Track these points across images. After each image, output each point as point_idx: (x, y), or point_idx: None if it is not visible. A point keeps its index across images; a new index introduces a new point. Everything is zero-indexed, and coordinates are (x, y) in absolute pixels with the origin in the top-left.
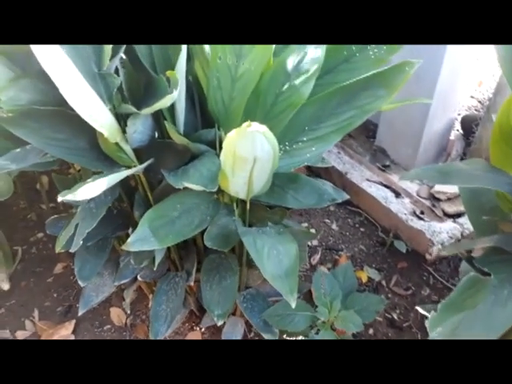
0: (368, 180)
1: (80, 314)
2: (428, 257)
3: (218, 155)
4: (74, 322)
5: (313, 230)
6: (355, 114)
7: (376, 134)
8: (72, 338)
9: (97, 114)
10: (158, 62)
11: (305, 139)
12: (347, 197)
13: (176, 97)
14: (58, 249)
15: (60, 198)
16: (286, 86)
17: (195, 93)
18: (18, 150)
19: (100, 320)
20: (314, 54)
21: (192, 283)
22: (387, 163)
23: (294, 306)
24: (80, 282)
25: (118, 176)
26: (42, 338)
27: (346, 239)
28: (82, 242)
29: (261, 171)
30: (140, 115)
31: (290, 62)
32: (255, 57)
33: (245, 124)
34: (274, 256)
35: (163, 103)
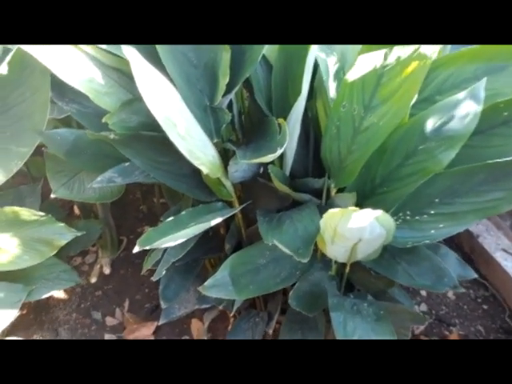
0: (504, 251)
1: (160, 323)
2: None
3: (321, 208)
4: (156, 323)
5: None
6: (504, 196)
7: None
8: (151, 338)
9: (198, 151)
10: (274, 102)
11: (432, 212)
12: (474, 276)
13: (278, 155)
14: (144, 271)
15: (137, 249)
16: (420, 148)
17: (312, 130)
18: (127, 164)
19: (180, 328)
20: (463, 119)
21: (271, 331)
22: None
23: None
24: (162, 303)
25: (210, 224)
26: (126, 330)
27: (463, 313)
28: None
29: (367, 246)
30: None
31: (431, 123)
32: (387, 111)
33: (351, 208)
34: None
35: (266, 159)
